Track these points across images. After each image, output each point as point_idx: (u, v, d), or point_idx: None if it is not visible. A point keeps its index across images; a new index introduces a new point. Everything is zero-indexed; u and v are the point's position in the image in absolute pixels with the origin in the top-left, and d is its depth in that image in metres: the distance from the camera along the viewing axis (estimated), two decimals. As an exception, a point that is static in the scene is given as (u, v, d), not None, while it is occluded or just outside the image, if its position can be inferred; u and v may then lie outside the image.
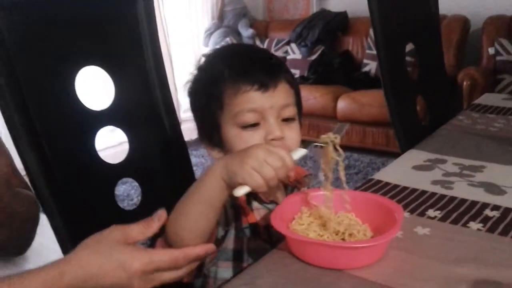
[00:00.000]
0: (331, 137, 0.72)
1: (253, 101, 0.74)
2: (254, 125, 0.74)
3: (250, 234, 0.76)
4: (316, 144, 0.72)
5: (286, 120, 0.76)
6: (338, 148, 0.71)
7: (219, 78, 0.76)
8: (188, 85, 0.82)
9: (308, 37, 3.78)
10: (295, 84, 0.80)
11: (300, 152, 0.70)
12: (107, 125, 0.91)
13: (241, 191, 0.63)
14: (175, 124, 1.03)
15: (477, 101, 1.57)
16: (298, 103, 0.81)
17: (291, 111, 0.77)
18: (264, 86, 0.74)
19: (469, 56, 3.34)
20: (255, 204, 0.77)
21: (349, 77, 3.53)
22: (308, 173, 0.88)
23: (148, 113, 1.00)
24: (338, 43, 3.81)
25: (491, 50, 3.21)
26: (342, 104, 3.30)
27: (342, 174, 0.71)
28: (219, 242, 0.74)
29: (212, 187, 0.66)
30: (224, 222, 0.74)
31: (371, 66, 3.57)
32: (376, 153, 3.23)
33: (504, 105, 1.48)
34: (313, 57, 3.75)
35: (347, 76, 3.53)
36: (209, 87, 0.77)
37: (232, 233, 0.75)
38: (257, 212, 0.77)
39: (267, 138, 0.74)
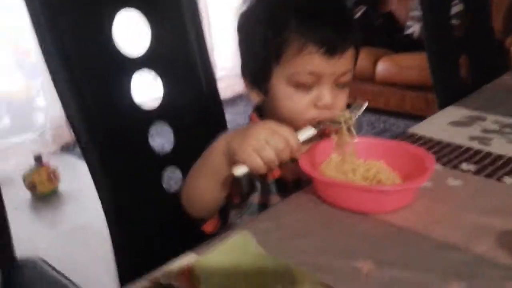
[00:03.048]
0: (346, 116, 0.69)
1: (316, 65, 0.68)
2: (307, 86, 0.70)
3: (277, 189, 0.74)
4: (329, 122, 0.69)
5: (340, 84, 0.72)
6: (352, 129, 0.69)
7: (282, 26, 0.68)
8: (240, 15, 0.74)
9: (351, -4, 3.66)
10: (359, 47, 0.74)
11: (308, 132, 0.67)
12: (143, 68, 0.92)
13: (239, 171, 0.61)
14: (211, 78, 1.02)
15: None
16: (354, 67, 0.76)
17: (348, 77, 0.72)
18: (332, 50, 0.67)
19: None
20: None
21: (391, 39, 3.41)
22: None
23: (184, 63, 1.00)
24: (381, 4, 3.67)
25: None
26: (382, 67, 3.21)
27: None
28: (244, 197, 0.73)
29: (215, 162, 0.65)
30: (249, 179, 0.72)
31: (414, 28, 3.43)
32: (414, 117, 3.15)
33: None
34: (354, 17, 3.64)
35: (389, 38, 3.42)
36: (270, 32, 0.69)
37: (258, 189, 0.73)
38: (285, 166, 0.73)
39: (316, 103, 0.70)
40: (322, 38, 0.67)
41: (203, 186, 0.68)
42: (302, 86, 0.70)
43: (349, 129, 0.69)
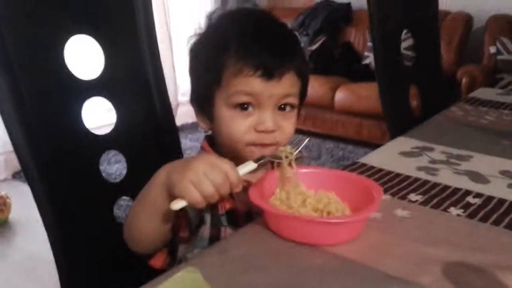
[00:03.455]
0: (287, 151, 0.70)
1: (253, 86, 0.68)
2: (247, 109, 0.70)
3: (228, 222, 0.72)
4: (270, 158, 0.69)
5: (284, 108, 0.72)
6: (293, 164, 0.69)
7: (223, 49, 0.69)
8: (191, 43, 0.76)
9: (310, 26, 3.77)
10: (305, 75, 0.74)
11: (249, 167, 0.66)
12: (95, 95, 0.90)
13: (177, 205, 0.60)
14: (166, 105, 1.01)
15: (472, 95, 1.56)
16: (303, 92, 0.76)
17: (291, 100, 0.72)
18: (268, 73, 0.68)
19: (470, 53, 3.33)
20: None
21: (349, 69, 3.52)
22: (299, 155, 0.83)
23: (138, 89, 0.99)
24: (340, 34, 3.80)
25: (492, 49, 3.20)
26: (340, 96, 3.30)
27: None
28: (193, 231, 0.71)
29: (155, 195, 0.63)
30: (197, 211, 0.70)
31: (371, 58, 3.55)
32: (371, 146, 3.22)
33: (498, 99, 1.48)
34: (314, 46, 3.73)
35: (347, 68, 3.52)
36: (211, 56, 0.71)
37: (208, 221, 0.72)
38: (237, 197, 0.72)
39: (257, 128, 0.70)
40: (258, 62, 0.68)
41: (143, 220, 0.66)
42: (241, 109, 0.70)
43: (290, 164, 0.69)
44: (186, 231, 0.71)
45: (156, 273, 0.71)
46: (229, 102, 0.70)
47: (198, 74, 0.75)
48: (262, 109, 0.70)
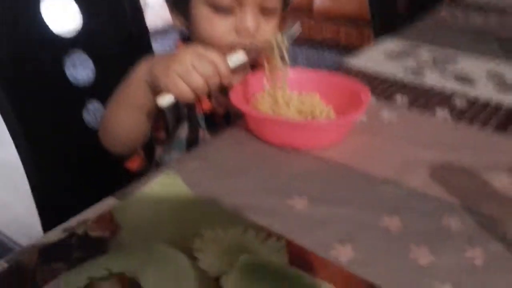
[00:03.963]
0: (278, 40, 0.62)
1: None
2: (228, 9, 0.64)
3: (205, 124, 0.69)
4: (260, 47, 0.63)
5: (266, 11, 0.66)
6: (285, 54, 0.63)
7: None
8: None
9: None
10: None
11: (238, 57, 0.60)
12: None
13: (165, 100, 0.55)
14: (136, 3, 0.93)
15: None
16: None
17: (273, 3, 0.66)
18: None
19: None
20: None
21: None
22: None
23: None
24: None
25: None
26: (319, -2, 3.15)
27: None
28: (170, 132, 0.68)
29: (136, 91, 0.58)
30: (174, 111, 0.66)
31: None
32: (349, 51, 3.16)
33: (486, 1, 1.42)
34: None
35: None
36: None
37: (185, 123, 0.68)
38: (215, 99, 0.69)
39: (237, 28, 0.65)
40: None
41: (123, 119, 0.62)
42: (221, 9, 0.64)
43: (282, 56, 0.63)
44: (163, 132, 0.67)
45: (131, 177, 0.69)
46: (210, 1, 0.65)
47: None
48: (243, 9, 0.65)
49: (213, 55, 0.56)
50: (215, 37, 0.66)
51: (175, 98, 0.55)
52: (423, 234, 0.47)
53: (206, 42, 0.67)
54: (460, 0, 1.42)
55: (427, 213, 0.50)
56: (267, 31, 0.67)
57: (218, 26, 0.65)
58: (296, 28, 0.63)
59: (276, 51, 0.63)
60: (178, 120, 0.68)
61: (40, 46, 0.80)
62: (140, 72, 0.58)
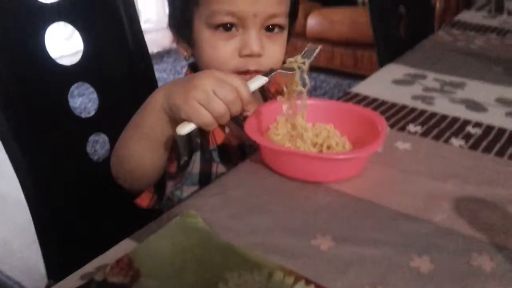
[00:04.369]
0: (299, 61, 0.61)
1: (234, 3, 0.60)
2: (230, 30, 0.62)
3: (219, 157, 0.66)
4: (280, 70, 0.61)
5: (272, 29, 0.64)
6: (306, 76, 0.61)
7: None
8: None
9: None
10: None
11: (260, 81, 0.58)
12: (58, 20, 0.79)
13: (185, 129, 0.52)
14: (137, 30, 0.91)
15: (457, 18, 1.51)
16: (293, 12, 0.67)
17: (280, 20, 0.64)
18: None
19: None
20: None
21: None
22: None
23: (106, 14, 0.88)
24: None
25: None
26: (313, 22, 3.18)
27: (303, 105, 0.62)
28: (182, 168, 0.65)
29: (152, 121, 0.55)
30: (187, 144, 0.64)
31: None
32: (343, 74, 3.18)
33: (484, 23, 1.43)
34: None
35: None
36: None
37: (197, 156, 0.65)
38: (229, 131, 0.67)
39: (241, 52, 0.62)
40: None
41: (138, 151, 0.58)
42: (223, 30, 0.62)
43: (302, 78, 0.61)
44: (175, 167, 0.65)
45: (136, 214, 0.67)
46: (210, 22, 0.62)
47: None
48: (246, 31, 0.62)
49: (234, 80, 0.53)
50: (218, 61, 0.64)
51: (197, 126, 0.53)
52: (454, 274, 0.45)
53: (211, 67, 0.64)
54: (459, 23, 1.43)
55: (456, 251, 0.48)
56: (274, 51, 0.65)
57: (222, 49, 0.63)
58: (316, 49, 0.61)
59: (297, 75, 0.60)
60: (190, 152, 0.65)
61: (43, 76, 0.78)
62: (157, 101, 0.55)
